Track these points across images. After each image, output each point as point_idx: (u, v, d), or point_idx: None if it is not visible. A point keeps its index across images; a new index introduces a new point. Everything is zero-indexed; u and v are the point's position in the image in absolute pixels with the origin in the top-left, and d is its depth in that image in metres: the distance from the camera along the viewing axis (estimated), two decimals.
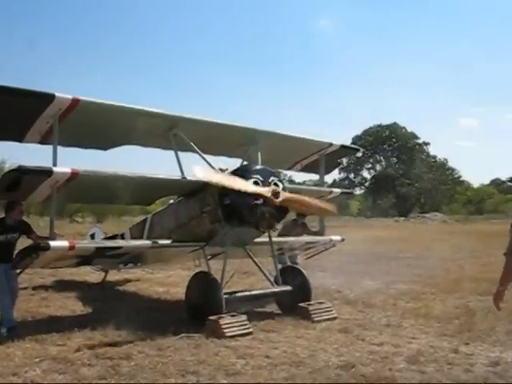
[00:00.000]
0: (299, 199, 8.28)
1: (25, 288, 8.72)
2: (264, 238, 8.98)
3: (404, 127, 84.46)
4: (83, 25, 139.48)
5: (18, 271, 7.93)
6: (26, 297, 8.53)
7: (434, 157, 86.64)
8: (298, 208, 9.06)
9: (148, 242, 8.39)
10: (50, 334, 6.88)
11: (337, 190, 11.27)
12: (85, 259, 8.43)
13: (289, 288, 8.82)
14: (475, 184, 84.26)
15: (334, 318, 8.36)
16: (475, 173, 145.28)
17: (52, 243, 6.95)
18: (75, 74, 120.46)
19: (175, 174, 8.62)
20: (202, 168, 8.00)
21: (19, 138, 7.82)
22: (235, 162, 9.49)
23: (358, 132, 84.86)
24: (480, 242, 24.67)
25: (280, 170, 11.18)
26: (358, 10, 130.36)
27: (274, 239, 9.25)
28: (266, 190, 7.82)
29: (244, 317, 7.56)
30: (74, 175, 7.24)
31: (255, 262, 9.23)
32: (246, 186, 7.71)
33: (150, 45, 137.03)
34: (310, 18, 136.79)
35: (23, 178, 7.10)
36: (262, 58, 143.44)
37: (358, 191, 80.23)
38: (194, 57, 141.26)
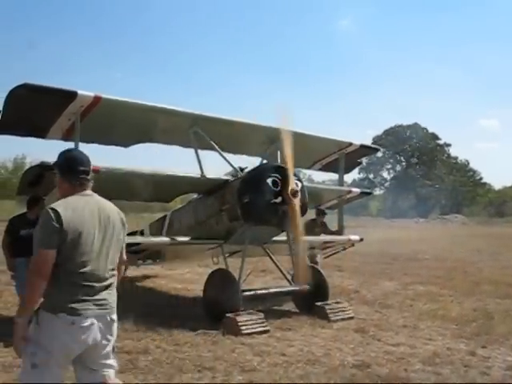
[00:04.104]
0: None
1: None
2: (282, 237, 9.00)
3: (425, 128, 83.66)
4: (99, 19, 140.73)
5: None
6: None
7: (455, 158, 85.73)
8: None
9: (166, 239, 8.47)
10: None
11: (356, 190, 11.26)
12: None
13: (306, 287, 8.82)
14: (497, 186, 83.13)
15: (351, 318, 8.35)
16: (497, 174, 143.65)
17: None
18: (84, 70, 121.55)
19: (195, 172, 8.68)
20: None
21: (42, 134, 7.92)
22: (255, 161, 9.56)
23: (379, 132, 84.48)
24: (500, 245, 24.43)
25: (300, 169, 11.19)
26: (379, 11, 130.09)
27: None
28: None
29: (261, 315, 7.58)
30: (95, 172, 7.29)
31: (273, 261, 9.26)
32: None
33: (167, 42, 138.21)
34: (330, 17, 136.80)
35: (45, 174, 7.20)
36: (281, 57, 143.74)
37: (377, 191, 79.81)
38: (214, 55, 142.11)
